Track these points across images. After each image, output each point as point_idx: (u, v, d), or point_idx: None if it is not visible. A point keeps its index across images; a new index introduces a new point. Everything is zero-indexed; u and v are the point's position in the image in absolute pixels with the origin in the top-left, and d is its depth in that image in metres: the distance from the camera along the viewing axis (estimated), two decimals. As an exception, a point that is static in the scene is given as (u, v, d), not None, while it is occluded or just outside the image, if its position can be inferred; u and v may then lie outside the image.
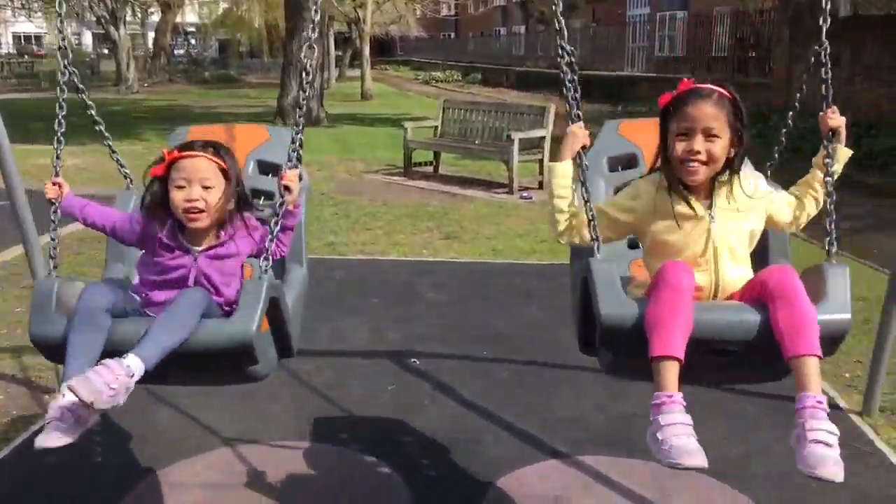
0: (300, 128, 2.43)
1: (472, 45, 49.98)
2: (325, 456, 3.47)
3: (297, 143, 2.43)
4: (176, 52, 50.16)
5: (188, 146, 2.48)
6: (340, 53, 38.89)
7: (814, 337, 2.09)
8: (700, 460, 2.02)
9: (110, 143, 2.84)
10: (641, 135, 3.09)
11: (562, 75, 2.38)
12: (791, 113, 2.72)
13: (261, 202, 3.01)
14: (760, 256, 2.64)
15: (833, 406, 3.91)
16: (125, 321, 2.29)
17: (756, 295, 2.23)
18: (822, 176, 2.40)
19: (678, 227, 2.35)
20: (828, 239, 2.36)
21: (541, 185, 10.02)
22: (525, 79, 31.41)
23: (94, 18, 32.21)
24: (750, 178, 2.43)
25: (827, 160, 2.38)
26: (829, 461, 2.02)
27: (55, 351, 2.27)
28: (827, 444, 2.04)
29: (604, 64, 29.66)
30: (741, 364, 2.37)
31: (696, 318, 2.13)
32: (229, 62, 47.59)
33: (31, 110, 21.54)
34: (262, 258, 2.37)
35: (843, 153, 2.42)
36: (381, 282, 5.97)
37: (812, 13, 15.81)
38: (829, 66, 2.46)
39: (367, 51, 29.77)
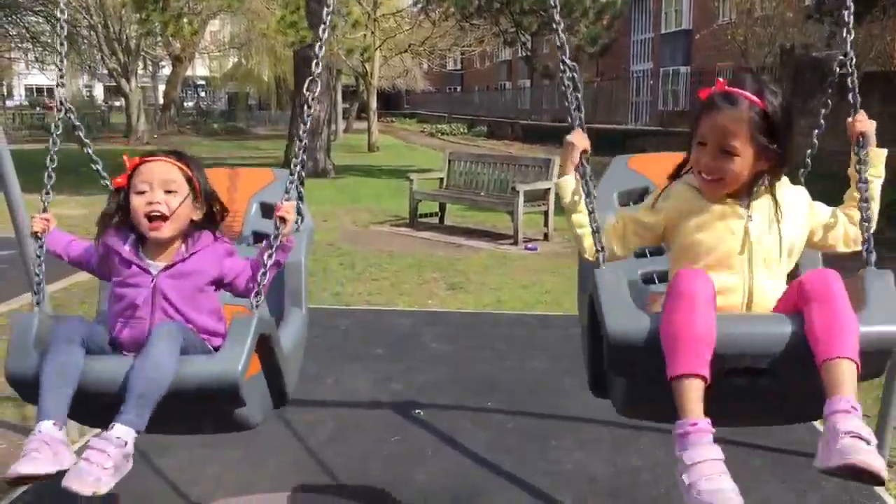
0: (300, 160, 2.41)
1: (477, 99, 50.64)
2: (328, 508, 3.43)
3: (297, 176, 2.40)
4: (186, 104, 50.96)
5: (150, 153, 2.41)
6: (348, 106, 39.47)
7: (851, 341, 1.87)
8: (738, 499, 1.81)
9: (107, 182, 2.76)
10: (653, 167, 2.95)
11: (564, 88, 2.33)
12: (809, 151, 2.65)
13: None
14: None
15: (841, 461, 3.87)
16: (99, 359, 2.18)
17: (792, 302, 2.02)
18: (857, 193, 2.26)
19: (712, 222, 2.15)
20: (865, 246, 2.23)
21: (545, 237, 10.07)
22: (530, 132, 31.76)
23: (106, 71, 32.79)
24: (794, 189, 2.30)
25: (859, 166, 2.25)
26: (868, 453, 1.71)
27: (30, 388, 2.16)
28: (864, 440, 1.74)
29: (607, 117, 30.02)
30: (774, 391, 2.04)
31: (720, 331, 1.91)
32: (238, 114, 48.26)
33: (42, 161, 21.79)
34: (253, 294, 2.25)
35: (877, 154, 2.30)
36: (385, 332, 5.97)
37: (813, 69, 16.08)
38: (855, 76, 2.40)
39: (373, 104, 30.22)
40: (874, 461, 1.70)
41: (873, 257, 2.19)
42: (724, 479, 1.82)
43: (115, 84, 34.17)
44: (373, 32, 29.08)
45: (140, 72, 35.79)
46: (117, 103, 48.39)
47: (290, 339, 2.56)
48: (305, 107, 2.44)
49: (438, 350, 5.56)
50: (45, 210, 2.51)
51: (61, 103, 2.58)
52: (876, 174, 2.27)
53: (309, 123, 2.45)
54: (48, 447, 2.09)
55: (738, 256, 2.13)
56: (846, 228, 2.30)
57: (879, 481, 1.72)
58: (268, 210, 2.97)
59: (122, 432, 2.04)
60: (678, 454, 1.87)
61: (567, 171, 2.28)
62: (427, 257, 8.95)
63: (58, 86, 2.62)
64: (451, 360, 5.33)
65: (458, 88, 59.39)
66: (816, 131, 2.57)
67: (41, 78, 50.64)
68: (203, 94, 58.20)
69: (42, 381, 2.12)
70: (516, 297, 7.15)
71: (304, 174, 2.48)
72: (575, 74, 2.35)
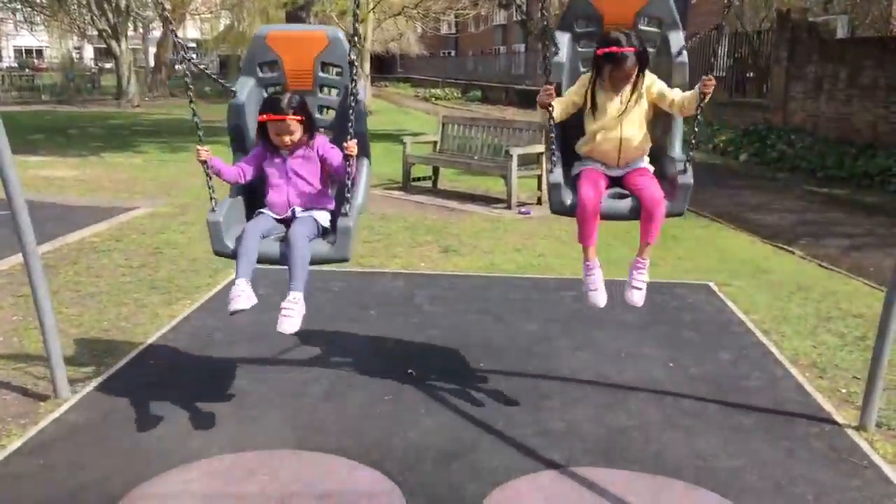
0: (355, 83, 3.56)
1: (471, 63, 50.19)
2: (321, 465, 3.46)
3: (353, 98, 3.50)
4: (177, 66, 50.41)
5: (278, 105, 3.59)
6: (341, 70, 39.04)
7: (655, 234, 3.50)
8: (602, 300, 3.60)
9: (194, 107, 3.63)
10: (605, 2, 3.80)
11: (544, 55, 3.49)
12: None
13: (327, 91, 3.97)
14: (663, 131, 3.73)
15: (829, 421, 3.92)
16: (266, 242, 3.54)
17: (637, 193, 3.53)
18: (695, 105, 3.40)
19: (605, 102, 3.60)
20: (689, 149, 3.51)
21: (539, 201, 10.06)
22: (524, 97, 31.53)
23: (96, 32, 32.34)
24: (647, 78, 3.58)
25: (700, 105, 3.38)
26: (638, 298, 3.62)
27: (227, 256, 3.54)
28: (640, 289, 3.62)
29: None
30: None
31: (603, 207, 3.52)
32: (230, 77, 47.75)
33: (31, 122, 21.61)
34: (343, 205, 3.60)
35: (705, 100, 3.38)
36: (378, 294, 5.98)
37: (810, 34, 15.98)
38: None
39: (367, 67, 29.92)
40: (640, 301, 3.63)
41: (690, 168, 3.50)
42: (601, 288, 3.61)
43: (105, 46, 33.74)
44: (366, -5, 28.69)
45: (130, 34, 35.29)
46: (108, 65, 47.86)
47: (365, 176, 3.81)
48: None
49: (431, 312, 5.57)
50: (201, 142, 3.55)
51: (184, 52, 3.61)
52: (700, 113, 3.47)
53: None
54: (244, 293, 3.36)
55: (613, 122, 3.59)
56: (674, 104, 3.53)
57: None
58: (326, 67, 3.90)
59: (297, 296, 3.43)
60: (583, 278, 3.65)
61: (542, 106, 3.53)
62: (420, 220, 8.94)
63: (174, 36, 3.59)
64: (443, 322, 5.35)
65: (453, 52, 58.82)
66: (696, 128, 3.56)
67: (30, 39, 49.92)
68: (194, 56, 57.51)
69: (238, 255, 3.46)
70: (509, 260, 7.15)
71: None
72: (557, 47, 3.75)
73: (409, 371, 4.47)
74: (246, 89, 3.87)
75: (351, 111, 3.48)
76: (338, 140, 3.75)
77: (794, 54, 16.34)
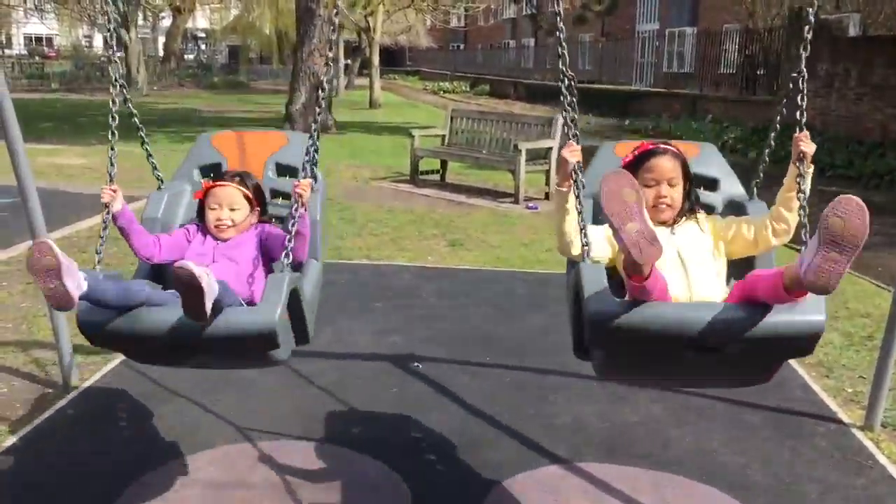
0: (314, 139, 2.75)
1: (480, 57, 50.13)
2: (326, 455, 3.48)
3: (311, 156, 2.78)
4: (186, 56, 50.45)
5: (220, 178, 3.02)
6: (349, 62, 39.06)
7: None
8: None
9: (148, 147, 3.07)
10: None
11: (562, 98, 2.58)
12: (773, 134, 2.80)
13: (279, 201, 3.27)
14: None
15: (835, 420, 3.92)
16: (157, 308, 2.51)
17: (740, 294, 2.38)
18: (792, 194, 2.59)
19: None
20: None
21: (547, 196, 10.05)
22: (533, 91, 31.51)
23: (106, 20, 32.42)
24: (709, 216, 2.81)
25: (799, 179, 2.55)
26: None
27: (103, 338, 2.53)
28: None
29: (612, 78, 29.78)
30: (724, 364, 2.47)
31: (681, 316, 2.30)
32: (239, 68, 47.79)
33: (41, 110, 21.67)
34: (283, 254, 2.64)
35: (811, 174, 2.59)
36: (385, 287, 5.99)
37: (821, 32, 15.91)
38: (805, 92, 2.57)
39: (376, 60, 29.88)
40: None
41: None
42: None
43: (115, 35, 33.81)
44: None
45: (140, 23, 35.34)
46: (117, 54, 47.89)
47: (310, 286, 2.92)
48: (312, 77, 2.74)
49: (438, 305, 5.58)
50: (111, 181, 2.81)
51: (115, 80, 2.97)
52: (806, 188, 2.57)
53: (322, 104, 2.76)
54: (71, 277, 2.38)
55: (675, 264, 2.58)
56: (774, 228, 2.66)
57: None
58: (282, 170, 3.26)
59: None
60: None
61: (563, 184, 2.58)
62: (427, 214, 8.95)
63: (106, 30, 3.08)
64: (450, 316, 5.36)
65: (462, 46, 58.70)
66: (763, 165, 2.88)
67: (40, 27, 50.05)
68: (203, 46, 57.55)
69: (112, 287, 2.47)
70: (516, 254, 7.16)
71: (318, 140, 2.79)
72: (573, 83, 2.60)
73: (415, 364, 4.48)
74: (175, 189, 3.20)
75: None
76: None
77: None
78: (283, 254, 2.64)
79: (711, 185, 3.04)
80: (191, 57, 52.94)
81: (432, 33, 48.01)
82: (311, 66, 16.30)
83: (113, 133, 2.83)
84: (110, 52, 2.97)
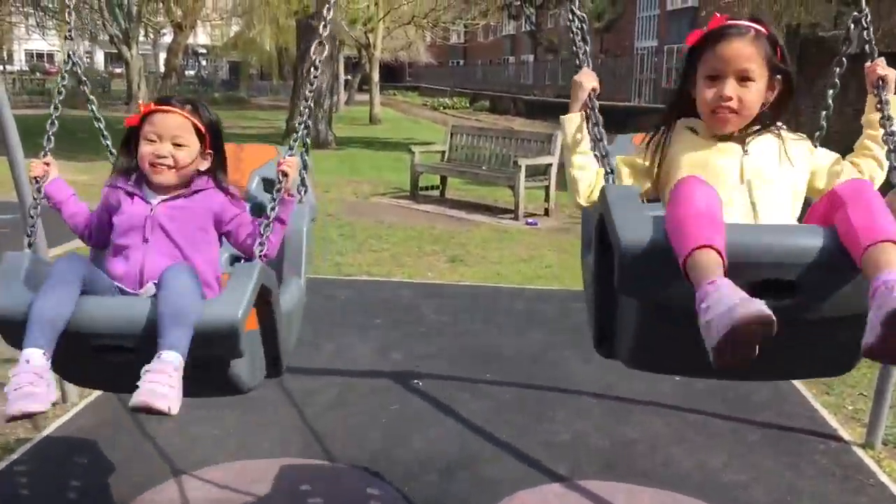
0: (305, 118, 2.39)
1: (480, 73, 50.32)
2: (326, 473, 3.46)
3: (302, 135, 2.39)
4: (187, 72, 50.64)
5: (166, 100, 2.38)
6: (349, 78, 39.21)
7: (892, 224, 1.69)
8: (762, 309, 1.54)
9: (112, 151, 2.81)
10: None
11: (572, 35, 2.26)
12: (824, 113, 2.52)
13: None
14: None
15: (835, 438, 3.91)
16: (104, 299, 2.09)
17: (821, 215, 1.83)
18: (877, 133, 2.14)
19: (713, 162, 2.06)
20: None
21: (546, 212, 10.07)
22: (533, 107, 31.60)
23: (107, 37, 32.54)
24: (794, 135, 2.20)
25: (880, 105, 2.12)
26: None
27: (16, 329, 1.99)
28: None
29: (610, 94, 29.84)
30: (801, 323, 1.79)
31: (733, 240, 1.68)
32: (239, 84, 47.93)
33: (42, 126, 21.68)
34: (256, 244, 2.20)
35: (894, 102, 2.13)
36: (385, 303, 5.99)
37: (819, 49, 15.96)
38: (870, 23, 2.31)
39: (376, 76, 30.03)
40: None
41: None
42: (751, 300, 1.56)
43: (116, 51, 33.94)
44: (376, 3, 28.83)
45: (141, 39, 35.48)
46: (118, 70, 48.08)
47: (287, 305, 2.43)
48: (312, 69, 2.42)
49: (438, 322, 5.58)
50: (45, 154, 2.49)
51: (69, 56, 2.63)
52: (893, 117, 2.11)
53: (315, 85, 2.40)
54: (41, 379, 1.93)
55: (738, 194, 2.02)
56: (852, 176, 2.14)
57: None
58: (269, 184, 2.89)
59: (171, 357, 1.91)
60: (700, 307, 1.62)
61: (574, 109, 2.19)
62: (427, 230, 8.96)
63: (66, 38, 2.64)
64: (450, 332, 5.36)
65: (461, 62, 59.02)
66: (825, 113, 2.51)
67: (41, 43, 50.23)
68: (204, 62, 57.77)
69: (30, 315, 1.96)
70: (516, 270, 7.16)
71: (309, 144, 2.54)
72: (584, 15, 2.31)
73: (415, 381, 4.47)
74: None
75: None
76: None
77: (804, 68, 16.33)
78: (257, 242, 2.19)
79: None
80: (192, 73, 53.14)
81: (432, 49, 48.18)
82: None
83: (56, 107, 2.56)
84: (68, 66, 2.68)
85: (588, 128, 2.16)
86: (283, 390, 4.28)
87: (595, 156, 2.15)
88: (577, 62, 2.24)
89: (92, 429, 3.82)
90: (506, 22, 45.79)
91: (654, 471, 3.54)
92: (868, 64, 2.20)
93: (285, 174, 2.26)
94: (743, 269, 1.66)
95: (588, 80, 2.17)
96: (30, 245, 2.36)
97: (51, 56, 56.77)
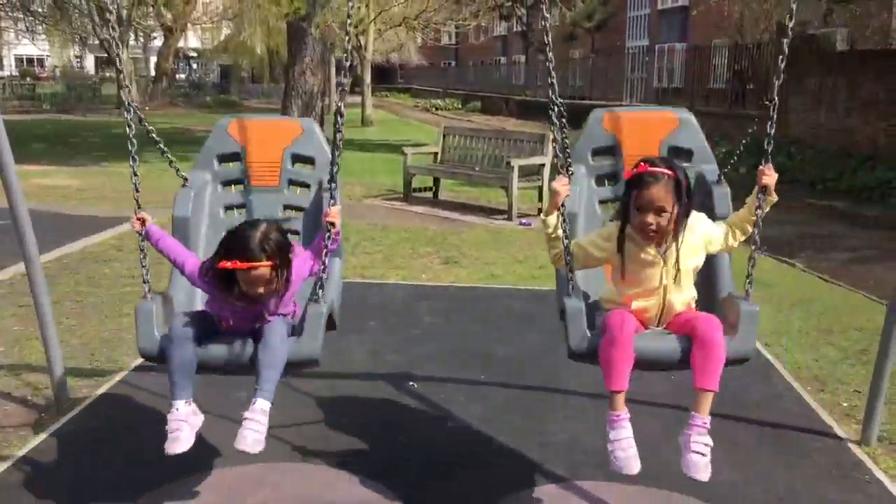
0: (335, 167, 2.96)
1: (472, 74, 50.32)
2: (322, 477, 3.45)
3: (334, 186, 2.98)
4: (178, 76, 50.51)
5: (249, 247, 2.75)
6: (342, 80, 39.11)
7: (716, 377, 2.69)
8: (635, 467, 2.71)
9: (169, 156, 3.31)
10: (622, 126, 3.47)
11: (552, 128, 2.91)
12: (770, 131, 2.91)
13: (297, 191, 3.53)
14: (707, 274, 3.10)
15: (831, 435, 3.92)
16: (213, 347, 2.86)
17: (687, 330, 2.81)
18: (751, 217, 2.88)
19: (641, 267, 2.89)
20: (748, 279, 2.86)
21: (540, 212, 10.07)
22: (525, 107, 31.61)
23: (98, 41, 32.45)
24: (695, 221, 2.92)
25: (758, 210, 2.84)
26: (702, 466, 2.70)
27: (157, 360, 2.90)
28: (703, 455, 2.70)
29: (602, 94, 29.87)
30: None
31: (639, 346, 2.74)
32: (231, 87, 47.83)
33: (32, 131, 21.64)
34: (316, 284, 2.88)
35: (770, 201, 2.87)
36: (380, 305, 5.97)
37: (809, 47, 16.02)
38: (775, 122, 2.82)
39: (367, 77, 29.99)
40: (704, 473, 2.70)
41: (752, 289, 2.86)
42: (632, 450, 2.72)
43: (106, 55, 33.85)
44: (367, 5, 28.81)
45: (132, 43, 35.38)
46: (108, 74, 47.99)
47: (335, 282, 3.18)
48: (338, 115, 2.97)
49: (432, 323, 5.57)
50: (138, 208, 3.05)
51: (129, 104, 3.11)
52: (762, 215, 2.87)
53: (339, 136, 2.93)
54: (186, 424, 2.81)
55: (656, 290, 2.89)
56: (729, 241, 2.99)
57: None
58: (298, 159, 3.48)
59: (264, 405, 2.81)
60: (607, 431, 2.76)
61: (551, 211, 2.91)
62: (421, 231, 8.95)
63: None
64: (445, 334, 5.35)
65: (453, 63, 58.99)
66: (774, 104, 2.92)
67: (31, 48, 50.05)
68: (195, 66, 57.64)
69: (170, 371, 2.81)
70: (510, 271, 7.16)
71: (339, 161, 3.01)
72: (563, 120, 2.94)
73: (411, 383, 4.46)
74: (198, 182, 3.46)
75: (331, 198, 3.02)
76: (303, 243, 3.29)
77: (794, 67, 16.38)
78: (318, 286, 2.89)
79: (686, 155, 3.34)
80: (183, 76, 53.02)
81: (424, 51, 48.17)
82: (303, 85, 16.34)
83: (133, 159, 3.02)
84: (120, 77, 3.12)
85: (560, 224, 2.89)
86: (278, 395, 4.25)
87: (564, 239, 2.93)
88: (556, 160, 3.07)
89: (86, 434, 3.81)
90: (497, 23, 45.80)
91: (650, 471, 3.52)
92: (761, 167, 2.82)
93: (332, 224, 2.86)
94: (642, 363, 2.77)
95: (563, 188, 2.88)
96: (147, 292, 2.96)
97: (41, 61, 56.56)
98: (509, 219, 9.76)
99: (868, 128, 14.10)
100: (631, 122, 3.44)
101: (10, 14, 34.08)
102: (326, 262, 2.87)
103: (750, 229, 2.90)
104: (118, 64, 3.70)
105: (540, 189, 10.12)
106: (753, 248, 2.88)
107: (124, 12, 30.83)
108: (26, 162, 13.70)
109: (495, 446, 3.74)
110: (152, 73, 42.31)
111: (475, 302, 6.12)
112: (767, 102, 2.78)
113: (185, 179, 3.37)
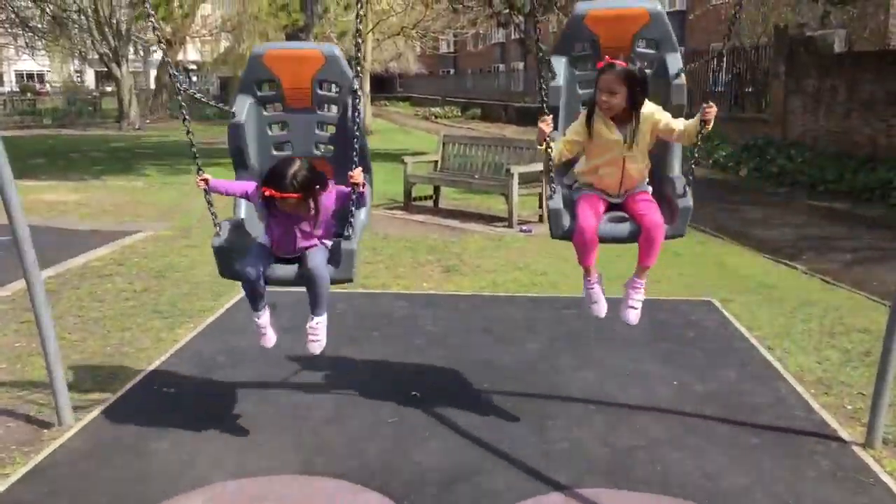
0: (359, 140, 3.70)
1: (471, 82, 50.42)
2: (325, 489, 3.44)
3: (358, 150, 3.61)
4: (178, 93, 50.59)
5: (282, 181, 3.40)
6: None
7: (654, 258, 3.61)
8: (602, 312, 3.77)
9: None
10: (602, 25, 3.82)
11: (540, 80, 3.58)
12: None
13: (326, 111, 4.03)
14: (660, 155, 3.77)
15: (835, 438, 3.90)
16: (271, 269, 3.63)
17: (637, 218, 3.60)
18: (694, 131, 3.44)
19: (605, 141, 3.59)
20: (686, 180, 3.65)
21: (540, 219, 10.07)
22: (524, 114, 31.62)
23: (97, 56, 32.54)
24: (649, 108, 3.56)
25: (700, 136, 3.46)
26: (633, 316, 3.75)
27: (235, 279, 3.70)
28: (636, 308, 3.75)
29: (602, 99, 29.81)
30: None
31: (602, 231, 3.59)
32: (230, 99, 47.93)
33: (32, 147, 21.68)
34: (346, 226, 3.62)
35: (707, 130, 3.44)
36: (381, 315, 5.97)
37: (807, 49, 16.03)
38: (719, 72, 3.17)
39: (366, 87, 30.01)
40: (634, 322, 3.76)
41: (689, 189, 3.62)
42: (601, 301, 3.78)
43: (106, 69, 33.94)
44: (365, 15, 28.91)
45: (131, 57, 35.47)
46: (109, 89, 48.06)
47: (364, 213, 3.84)
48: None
49: (434, 332, 5.57)
50: (199, 170, 3.71)
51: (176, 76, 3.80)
52: (701, 140, 3.53)
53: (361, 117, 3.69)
54: (267, 328, 3.81)
55: (616, 159, 3.62)
56: (673, 128, 3.54)
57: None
58: (323, 85, 3.97)
59: (322, 319, 3.72)
60: (584, 290, 3.80)
61: (541, 143, 3.57)
62: (422, 240, 8.95)
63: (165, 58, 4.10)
64: (447, 342, 5.34)
65: (452, 71, 59.13)
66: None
67: (31, 64, 50.19)
68: (195, 79, 57.83)
69: (246, 293, 3.69)
70: (511, 279, 7.15)
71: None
72: (551, 67, 3.81)
73: (413, 392, 4.45)
74: (244, 109, 3.98)
75: (356, 129, 3.69)
76: (338, 155, 3.90)
77: (792, 69, 16.40)
78: (348, 227, 3.61)
79: (655, 45, 3.78)
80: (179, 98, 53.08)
81: (422, 60, 48.33)
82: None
83: (188, 128, 3.84)
84: (182, 93, 3.89)
85: (545, 149, 3.59)
86: (280, 406, 4.26)
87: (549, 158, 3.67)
88: (541, 103, 3.58)
89: (88, 450, 3.80)
90: (495, 30, 45.89)
91: (654, 478, 3.53)
92: (703, 105, 3.34)
93: (356, 183, 3.48)
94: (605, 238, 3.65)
95: (546, 127, 3.50)
96: (218, 233, 3.65)
97: (41, 76, 56.70)
98: (510, 226, 9.76)
99: (868, 128, 14.09)
100: (608, 18, 3.83)
101: (9, 30, 34.23)
102: (353, 209, 3.56)
103: (688, 140, 3.52)
104: (170, 78, 4.17)
105: (540, 196, 10.11)
106: (691, 162, 3.64)
107: (123, 26, 30.93)
108: (27, 177, 13.73)
109: (498, 455, 3.73)
110: (153, 86, 42.40)
111: (477, 310, 6.12)
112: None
113: (233, 113, 3.98)
